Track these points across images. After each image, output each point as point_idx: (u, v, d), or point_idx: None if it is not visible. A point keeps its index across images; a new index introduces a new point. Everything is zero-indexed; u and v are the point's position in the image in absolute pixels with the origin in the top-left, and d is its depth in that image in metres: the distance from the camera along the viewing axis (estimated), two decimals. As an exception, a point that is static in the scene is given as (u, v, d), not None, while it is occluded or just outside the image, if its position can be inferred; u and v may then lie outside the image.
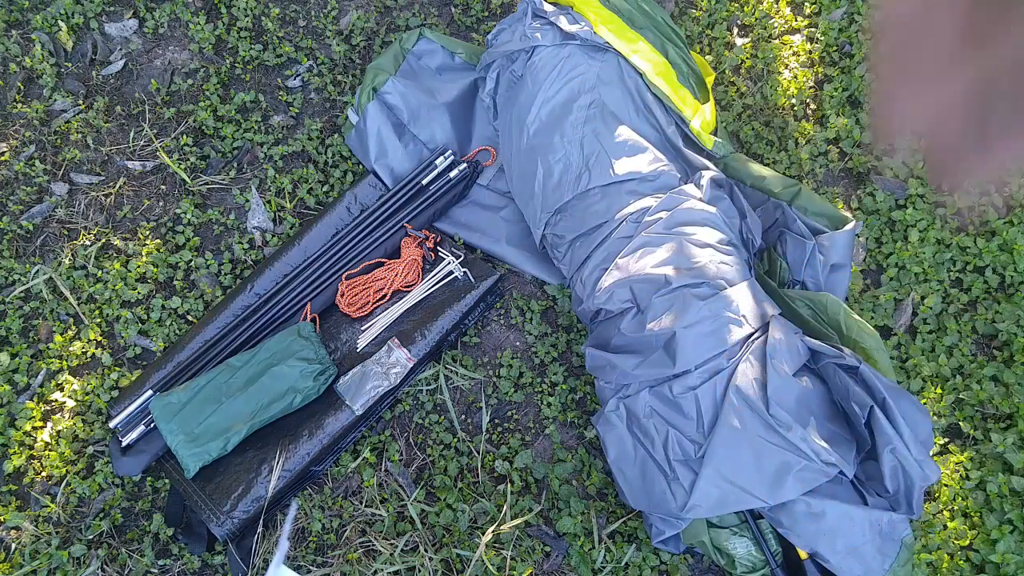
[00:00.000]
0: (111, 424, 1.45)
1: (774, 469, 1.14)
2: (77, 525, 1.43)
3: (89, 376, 1.55)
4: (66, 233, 1.70)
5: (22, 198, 1.72)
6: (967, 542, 1.34)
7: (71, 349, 1.57)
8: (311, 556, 1.38)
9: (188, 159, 1.74)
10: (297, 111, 1.80)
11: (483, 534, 1.33)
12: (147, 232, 1.68)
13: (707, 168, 1.42)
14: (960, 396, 1.45)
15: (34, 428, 1.51)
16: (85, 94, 1.83)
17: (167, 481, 1.44)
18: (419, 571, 1.34)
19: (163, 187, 1.74)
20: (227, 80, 1.84)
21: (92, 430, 1.50)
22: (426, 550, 1.35)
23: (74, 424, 1.51)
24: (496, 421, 1.50)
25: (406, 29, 1.87)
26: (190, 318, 1.61)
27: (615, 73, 1.47)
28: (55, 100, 1.81)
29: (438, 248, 1.60)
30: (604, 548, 1.36)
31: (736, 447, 1.16)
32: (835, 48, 1.78)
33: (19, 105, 1.81)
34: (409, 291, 1.56)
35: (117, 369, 1.55)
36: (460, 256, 1.57)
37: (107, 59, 1.87)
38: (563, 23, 1.48)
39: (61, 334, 1.58)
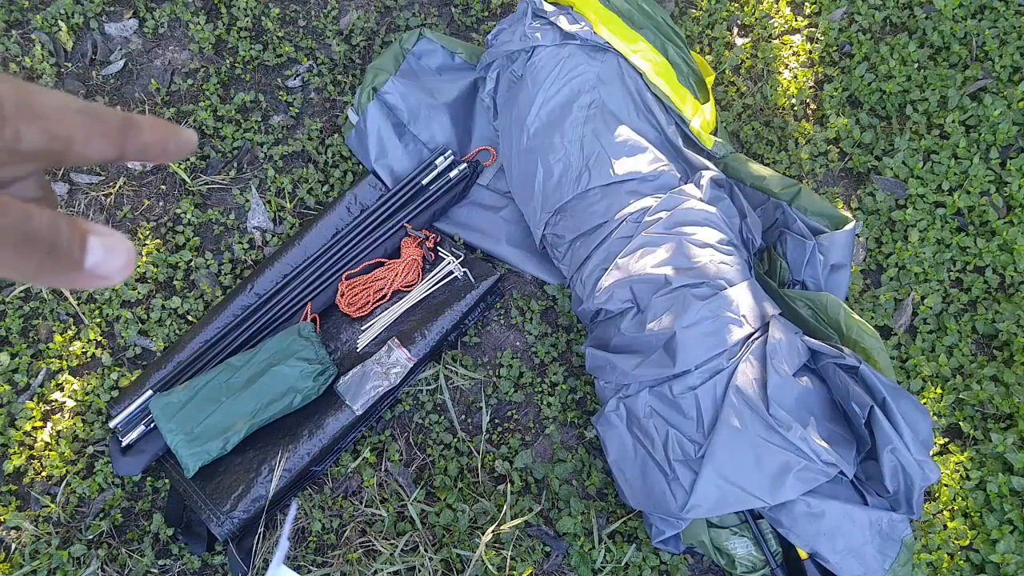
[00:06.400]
0: (111, 424, 1.45)
1: (774, 469, 1.14)
2: (77, 525, 1.43)
3: (89, 376, 1.55)
4: (66, 233, 1.69)
5: (22, 198, 1.71)
6: (967, 542, 1.34)
7: (71, 349, 1.57)
8: (311, 556, 1.38)
9: (188, 159, 1.74)
10: (297, 111, 1.80)
11: (483, 534, 1.33)
12: (147, 232, 1.69)
13: (707, 168, 1.42)
14: (960, 396, 1.45)
15: (34, 428, 1.51)
16: (85, 94, 1.83)
17: (167, 481, 1.44)
18: (419, 571, 1.34)
19: (163, 187, 1.74)
20: (227, 80, 1.84)
21: (92, 430, 1.50)
22: (426, 550, 1.35)
23: (74, 424, 1.51)
24: (496, 421, 1.50)
25: (406, 29, 1.87)
26: (190, 318, 1.61)
27: (615, 73, 1.47)
28: (55, 100, 1.81)
29: (438, 248, 1.60)
30: (604, 548, 1.36)
31: (736, 447, 1.16)
32: (835, 48, 1.78)
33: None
34: (409, 291, 1.56)
35: (117, 369, 1.55)
36: (460, 256, 1.57)
37: (107, 59, 1.87)
38: (563, 23, 1.48)
39: (61, 334, 1.58)
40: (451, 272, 1.55)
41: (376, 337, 1.51)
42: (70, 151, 0.25)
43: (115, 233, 0.24)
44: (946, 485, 1.38)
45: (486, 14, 1.89)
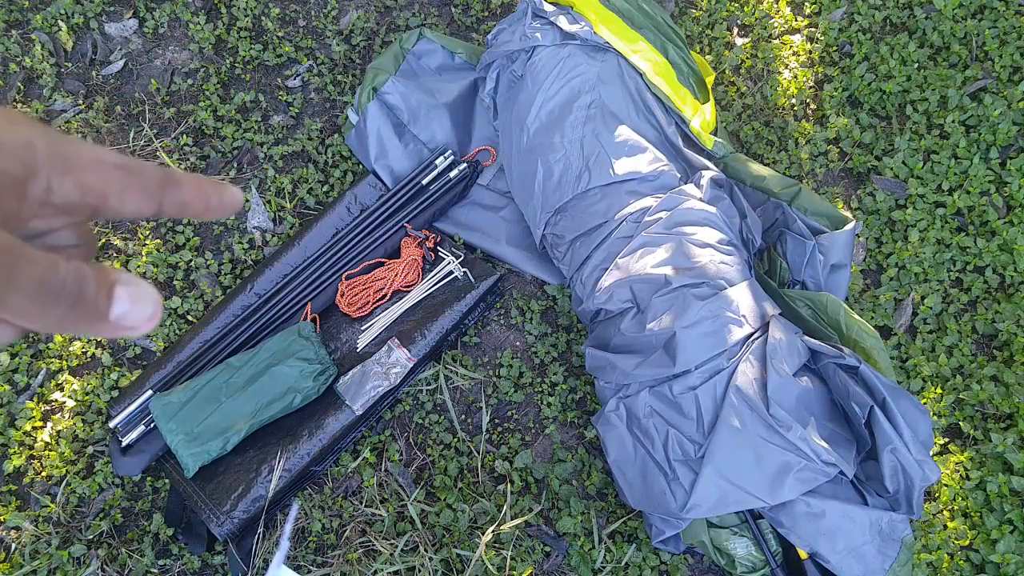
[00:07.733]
0: (111, 424, 1.45)
1: (774, 469, 1.14)
2: (77, 525, 1.43)
3: (89, 376, 1.55)
4: (66, 233, 1.69)
5: (22, 198, 1.71)
6: (967, 542, 1.34)
7: (71, 349, 1.57)
8: (311, 556, 1.38)
9: (188, 159, 1.74)
10: (297, 111, 1.80)
11: (483, 534, 1.33)
12: (147, 232, 1.69)
13: (707, 168, 1.42)
14: (960, 396, 1.45)
15: (34, 428, 1.51)
16: (85, 94, 1.83)
17: (167, 481, 1.44)
18: (419, 571, 1.34)
19: (163, 187, 1.74)
20: (227, 80, 1.84)
21: (92, 430, 1.50)
22: (426, 550, 1.35)
23: (74, 424, 1.51)
24: (496, 421, 1.50)
25: (406, 29, 1.87)
26: (190, 318, 1.61)
27: (615, 73, 1.47)
28: (55, 100, 1.81)
29: (438, 248, 1.60)
30: (604, 548, 1.36)
31: (736, 447, 1.16)
32: (835, 48, 1.78)
33: (19, 105, 1.81)
34: (409, 291, 1.56)
35: (117, 369, 1.55)
36: (460, 256, 1.57)
37: (107, 59, 1.87)
38: (563, 23, 1.48)
39: (61, 334, 1.58)
40: (451, 272, 1.55)
41: (376, 337, 1.51)
42: (105, 205, 0.25)
43: (142, 283, 0.24)
44: (946, 485, 1.38)
45: (486, 14, 1.89)
